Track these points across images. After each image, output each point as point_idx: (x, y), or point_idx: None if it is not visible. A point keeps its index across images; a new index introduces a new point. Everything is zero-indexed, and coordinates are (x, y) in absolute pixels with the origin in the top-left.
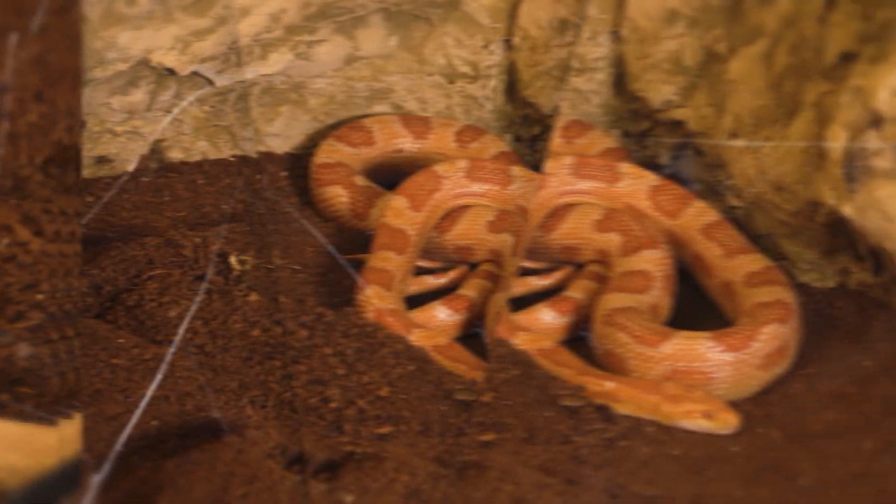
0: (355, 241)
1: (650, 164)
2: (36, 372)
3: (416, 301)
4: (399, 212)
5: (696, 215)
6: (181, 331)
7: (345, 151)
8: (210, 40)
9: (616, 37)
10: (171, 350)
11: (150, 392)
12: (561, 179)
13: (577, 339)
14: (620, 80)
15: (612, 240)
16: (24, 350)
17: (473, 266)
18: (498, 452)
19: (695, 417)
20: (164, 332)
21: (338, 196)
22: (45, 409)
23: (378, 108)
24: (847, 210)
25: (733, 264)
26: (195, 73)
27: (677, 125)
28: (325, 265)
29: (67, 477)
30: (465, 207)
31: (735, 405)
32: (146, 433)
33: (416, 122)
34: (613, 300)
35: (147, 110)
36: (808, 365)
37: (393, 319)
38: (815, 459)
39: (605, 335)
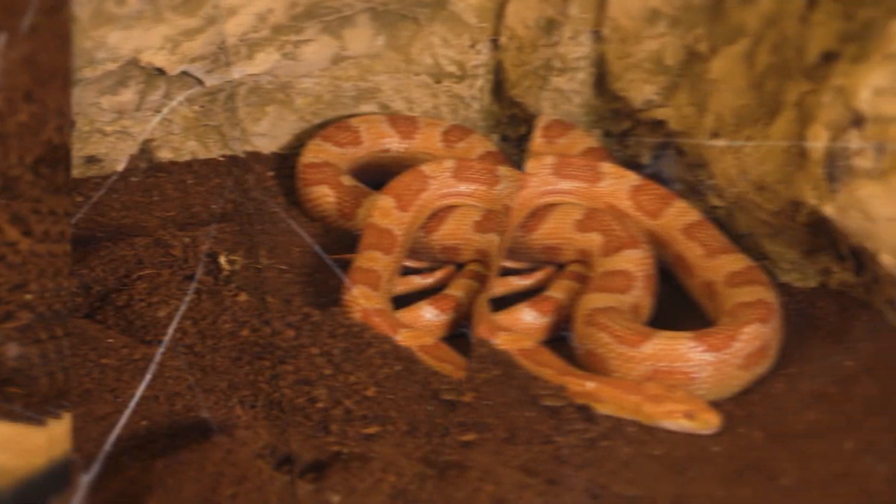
0: (342, 240)
1: (631, 164)
2: (25, 372)
3: (402, 301)
4: (386, 212)
5: (678, 215)
6: (170, 331)
7: (332, 151)
8: (199, 40)
9: (597, 36)
10: (161, 350)
11: (139, 392)
12: (542, 179)
13: (559, 339)
14: (602, 80)
15: (594, 240)
16: (13, 350)
17: (460, 266)
18: (479, 452)
19: (676, 417)
20: (154, 332)
21: (325, 196)
22: (33, 409)
23: (365, 108)
24: (828, 210)
25: (715, 264)
26: (185, 73)
27: (658, 125)
28: (312, 265)
29: (56, 477)
30: (451, 207)
31: (716, 405)
32: (135, 433)
33: (402, 122)
34: (595, 300)
35: (136, 110)
36: (789, 365)
37: (380, 319)
38: (796, 459)
39: (587, 335)
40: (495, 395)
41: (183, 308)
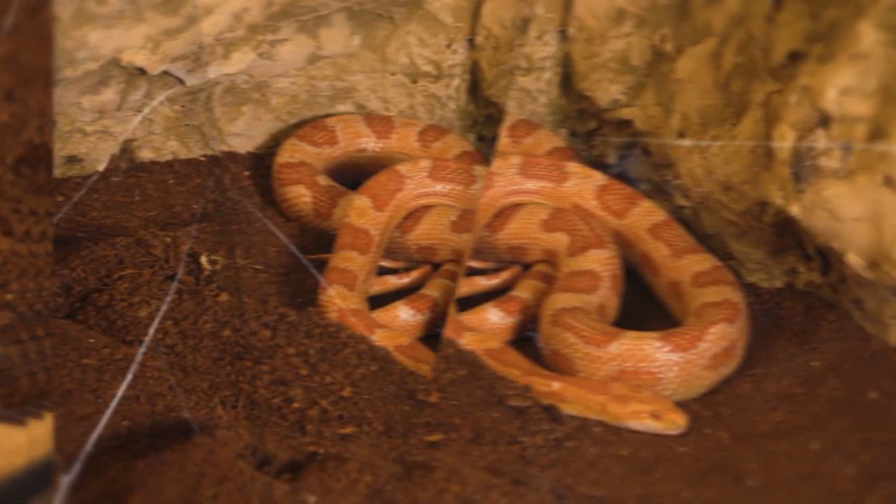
0: (318, 240)
1: (597, 164)
2: (5, 372)
3: (378, 301)
4: (362, 211)
5: (644, 215)
6: (151, 331)
7: (308, 151)
8: (180, 39)
9: (563, 36)
10: (142, 350)
11: (120, 392)
12: (508, 179)
13: (525, 339)
14: (568, 80)
15: (560, 239)
16: None
17: (436, 266)
18: (445, 453)
19: (642, 418)
20: (135, 332)
21: (301, 196)
22: (14, 409)
23: (341, 108)
24: (795, 210)
25: (681, 264)
26: (166, 73)
27: (624, 124)
28: (288, 265)
29: (37, 477)
30: (428, 207)
31: (682, 405)
32: (116, 433)
33: (379, 122)
34: (560, 300)
35: (117, 110)
36: (755, 365)
37: (356, 319)
38: (762, 460)
39: (553, 335)
40: (461, 395)
41: (164, 308)
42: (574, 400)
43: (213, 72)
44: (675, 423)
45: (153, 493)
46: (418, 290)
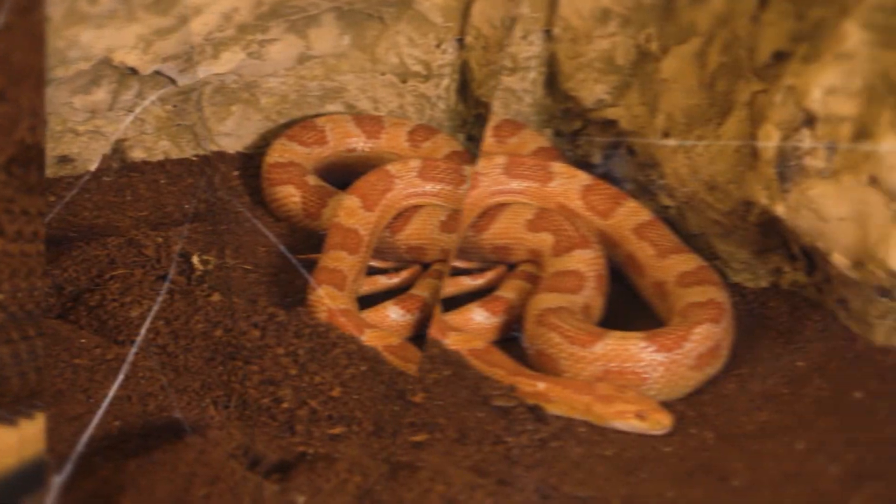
0: (308, 240)
1: (582, 164)
2: None
3: (368, 301)
4: (351, 211)
5: (629, 215)
6: (143, 331)
7: (297, 151)
8: (172, 39)
9: (548, 36)
10: (133, 350)
11: (112, 392)
12: (493, 179)
13: (509, 339)
14: (553, 80)
15: (545, 239)
16: None
17: (426, 266)
18: (430, 453)
19: (627, 418)
20: (126, 332)
21: (290, 196)
22: (5, 410)
23: (330, 108)
24: (780, 209)
25: (666, 264)
26: (157, 73)
27: (609, 124)
28: (278, 265)
29: (28, 477)
30: (417, 207)
31: (668, 405)
32: (108, 433)
33: (368, 122)
34: (545, 300)
35: (109, 109)
36: (740, 365)
37: (345, 319)
38: (747, 460)
39: (537, 335)
40: (446, 395)
41: (156, 308)
42: (559, 400)
43: (203, 72)
44: (660, 423)
45: (145, 493)
46: (408, 290)
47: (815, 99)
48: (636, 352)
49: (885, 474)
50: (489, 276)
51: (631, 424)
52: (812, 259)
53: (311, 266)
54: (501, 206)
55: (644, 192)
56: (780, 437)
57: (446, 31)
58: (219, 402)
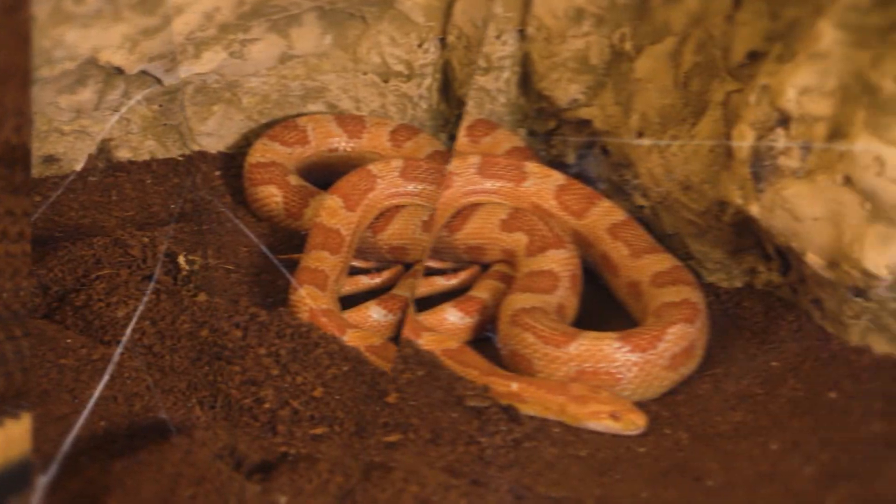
0: (289, 240)
1: (556, 164)
2: None
3: (350, 301)
4: (333, 211)
5: (603, 215)
6: (129, 331)
7: (279, 151)
8: (158, 39)
9: (522, 35)
10: (119, 350)
11: (97, 392)
12: (466, 179)
13: (483, 339)
14: (526, 79)
15: (519, 239)
16: None
17: (408, 266)
18: (403, 453)
19: (601, 418)
20: (112, 332)
21: (272, 196)
22: None
23: (312, 107)
24: (754, 209)
25: (640, 264)
26: (143, 72)
27: (584, 124)
28: (259, 265)
29: (14, 477)
30: (399, 207)
31: (642, 406)
32: (94, 434)
33: (350, 122)
34: (519, 300)
35: (95, 109)
36: (715, 365)
37: (327, 320)
38: (721, 460)
39: (511, 335)
40: (420, 395)
41: (141, 308)
42: (533, 400)
43: (185, 71)
44: (634, 423)
45: (131, 493)
46: (390, 291)
47: (790, 99)
48: (610, 352)
49: (859, 474)
50: (463, 276)
51: (605, 425)
52: (786, 259)
53: (292, 266)
54: (475, 206)
55: (618, 192)
56: (755, 437)
57: (428, 31)
58: (205, 403)
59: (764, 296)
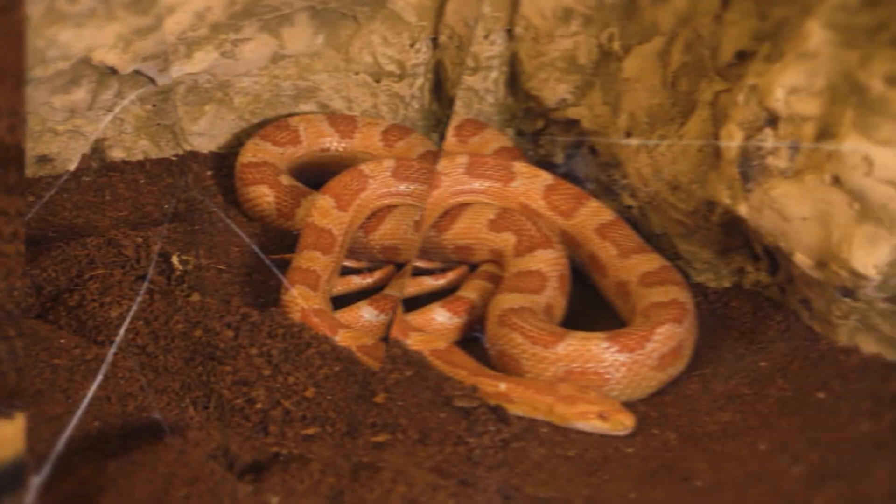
0: (281, 240)
1: (544, 164)
2: None
3: (342, 301)
4: (325, 211)
5: (591, 215)
6: (123, 331)
7: (271, 151)
8: (151, 39)
9: (510, 35)
10: (113, 350)
11: (91, 392)
12: (454, 179)
13: (471, 339)
14: (514, 79)
15: (507, 240)
16: None
17: (400, 266)
18: (391, 453)
19: (589, 418)
20: (106, 332)
21: (263, 195)
22: None
23: (304, 107)
24: (742, 209)
25: (628, 264)
26: (137, 72)
27: (572, 124)
28: (251, 265)
29: (8, 477)
30: (391, 207)
31: (630, 406)
32: (88, 434)
33: (342, 121)
34: (507, 300)
35: (88, 109)
36: (703, 365)
37: (319, 320)
38: (710, 460)
39: (499, 336)
40: (408, 395)
41: (135, 308)
42: (521, 401)
43: (176, 71)
44: (622, 423)
45: (124, 493)
46: (381, 291)
47: (778, 98)
48: (598, 352)
49: (848, 474)
50: (451, 276)
51: (593, 425)
52: (775, 259)
53: (284, 266)
54: (463, 206)
55: (606, 192)
56: (743, 437)
57: (420, 31)
58: (198, 403)
59: (752, 296)
